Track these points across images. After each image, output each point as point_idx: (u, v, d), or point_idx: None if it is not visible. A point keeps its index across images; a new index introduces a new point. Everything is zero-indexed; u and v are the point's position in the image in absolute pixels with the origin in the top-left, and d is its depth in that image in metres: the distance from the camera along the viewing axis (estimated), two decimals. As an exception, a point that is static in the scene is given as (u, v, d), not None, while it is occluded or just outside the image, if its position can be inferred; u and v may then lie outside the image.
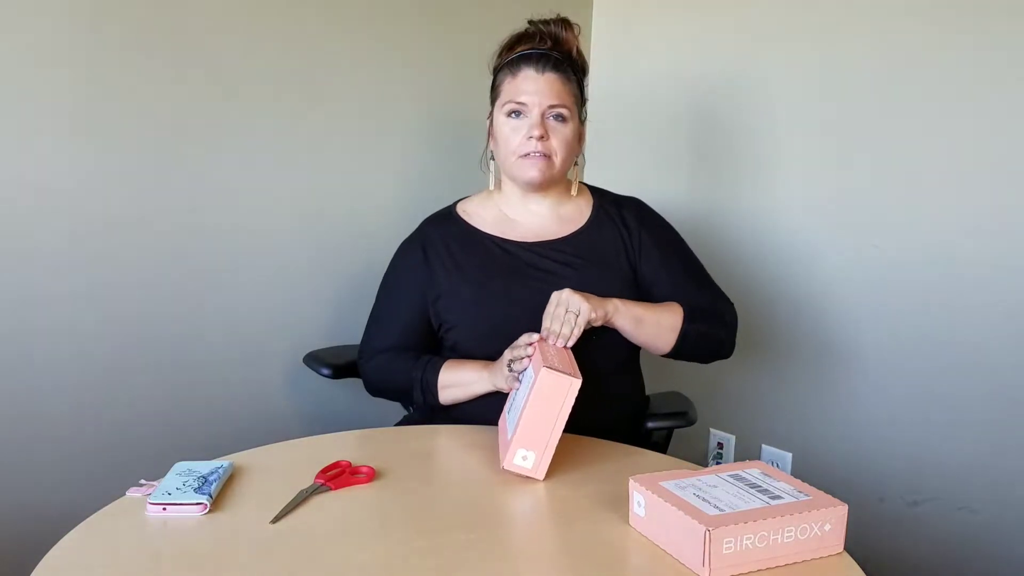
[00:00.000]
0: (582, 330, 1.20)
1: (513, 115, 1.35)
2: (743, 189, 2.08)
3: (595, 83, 2.37)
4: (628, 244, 1.42)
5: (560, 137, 1.35)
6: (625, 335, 1.32)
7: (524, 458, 1.10)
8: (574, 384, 1.11)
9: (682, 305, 1.36)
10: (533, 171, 1.35)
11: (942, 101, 1.73)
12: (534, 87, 1.33)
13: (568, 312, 1.20)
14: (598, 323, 1.24)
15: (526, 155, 1.34)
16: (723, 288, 1.89)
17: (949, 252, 1.75)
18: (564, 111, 1.34)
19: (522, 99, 1.33)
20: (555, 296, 1.23)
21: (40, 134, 1.46)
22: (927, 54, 1.74)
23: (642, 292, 1.41)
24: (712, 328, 1.38)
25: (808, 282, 1.99)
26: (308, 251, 1.84)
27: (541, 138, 1.33)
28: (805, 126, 1.95)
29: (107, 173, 1.54)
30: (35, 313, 1.49)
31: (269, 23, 1.71)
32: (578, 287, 1.33)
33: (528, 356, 1.20)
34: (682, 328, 1.34)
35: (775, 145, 2.01)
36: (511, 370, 1.21)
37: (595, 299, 1.24)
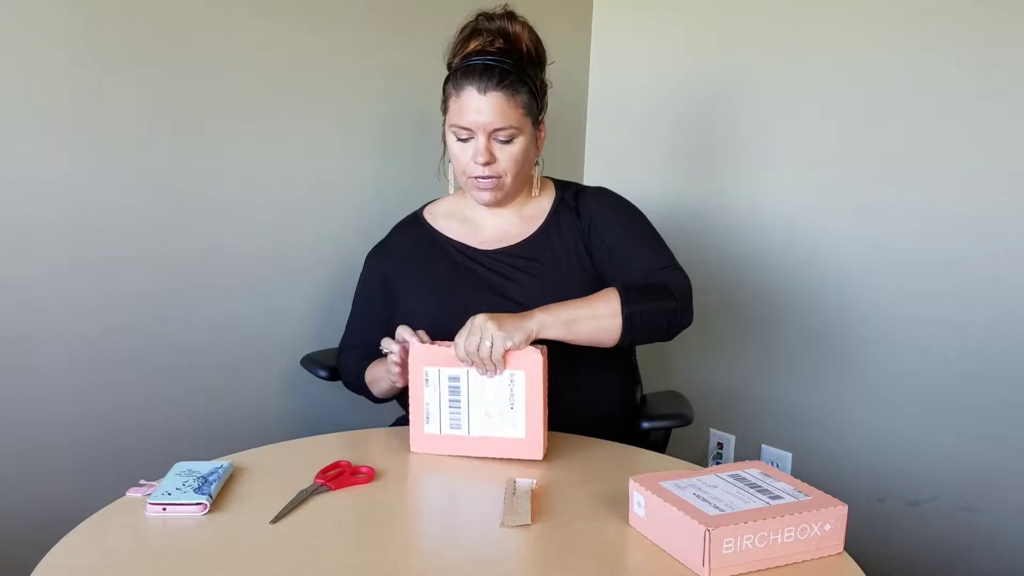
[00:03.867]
0: (500, 357, 1.13)
1: (460, 138, 1.32)
2: (743, 189, 2.08)
3: (595, 83, 2.38)
4: (581, 230, 1.39)
5: (508, 156, 1.31)
6: (564, 341, 1.20)
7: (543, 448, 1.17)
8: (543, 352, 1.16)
9: (617, 288, 1.24)
10: (484, 195, 1.34)
11: (943, 100, 1.73)
12: (476, 108, 1.27)
13: (482, 340, 1.13)
14: (522, 346, 1.15)
15: (475, 178, 1.32)
16: (725, 288, 1.89)
17: (950, 252, 1.75)
18: (513, 131, 1.29)
19: (466, 124, 1.29)
20: (469, 323, 1.15)
21: (37, 136, 1.46)
22: (928, 53, 1.74)
23: (599, 273, 1.37)
24: (657, 301, 1.25)
25: (808, 282, 1.99)
26: (305, 253, 1.84)
27: (488, 163, 1.30)
28: (805, 126, 1.95)
29: (108, 175, 1.54)
30: (34, 314, 1.49)
31: (270, 21, 1.71)
32: (538, 294, 1.31)
33: (395, 354, 1.21)
34: (623, 312, 1.21)
35: (776, 145, 2.01)
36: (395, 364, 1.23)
37: (512, 321, 1.15)
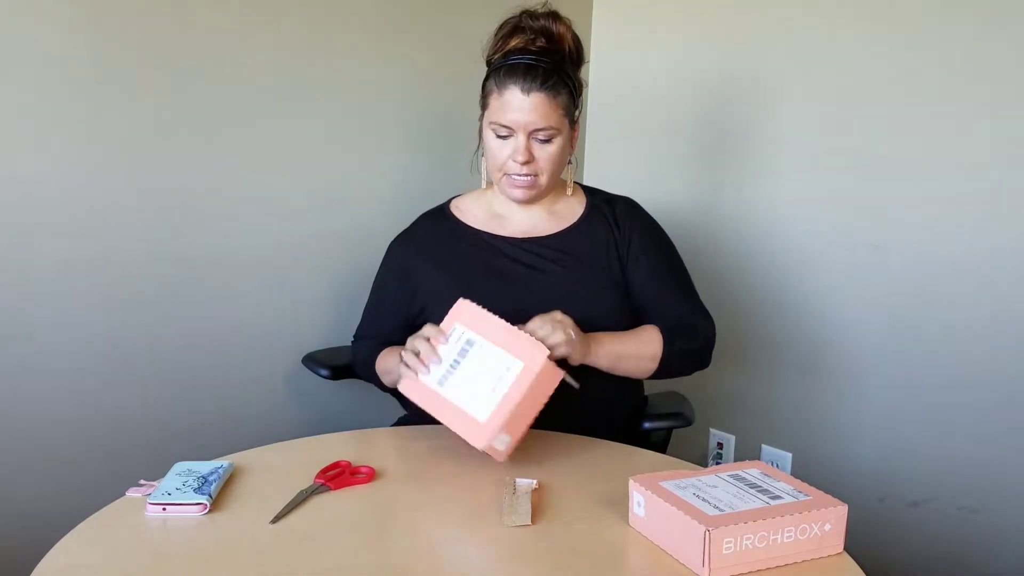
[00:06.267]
0: (566, 352, 1.18)
1: (499, 136, 1.33)
2: (743, 190, 2.08)
3: (594, 83, 2.38)
4: (618, 242, 1.41)
5: (546, 156, 1.33)
6: (602, 369, 1.29)
7: (502, 443, 1.10)
8: (559, 374, 1.13)
9: (660, 328, 1.34)
10: (518, 192, 1.36)
11: (944, 102, 1.73)
12: (518, 107, 1.29)
13: (561, 331, 1.17)
14: (575, 362, 1.21)
15: (510, 175, 1.34)
16: (724, 288, 1.89)
17: (950, 253, 1.75)
18: (552, 131, 1.31)
19: (507, 122, 1.30)
20: (551, 315, 1.19)
21: (38, 136, 1.46)
22: (929, 55, 1.74)
23: (627, 285, 1.41)
24: (690, 344, 1.37)
25: (809, 282, 1.99)
26: (307, 252, 1.84)
27: (526, 162, 1.32)
28: (805, 126, 1.95)
29: (107, 174, 1.54)
30: (35, 314, 1.49)
31: (268, 22, 1.71)
32: (564, 285, 1.34)
33: (432, 351, 1.17)
34: (663, 353, 1.33)
35: (775, 146, 2.01)
36: (406, 364, 1.19)
37: (581, 335, 1.22)
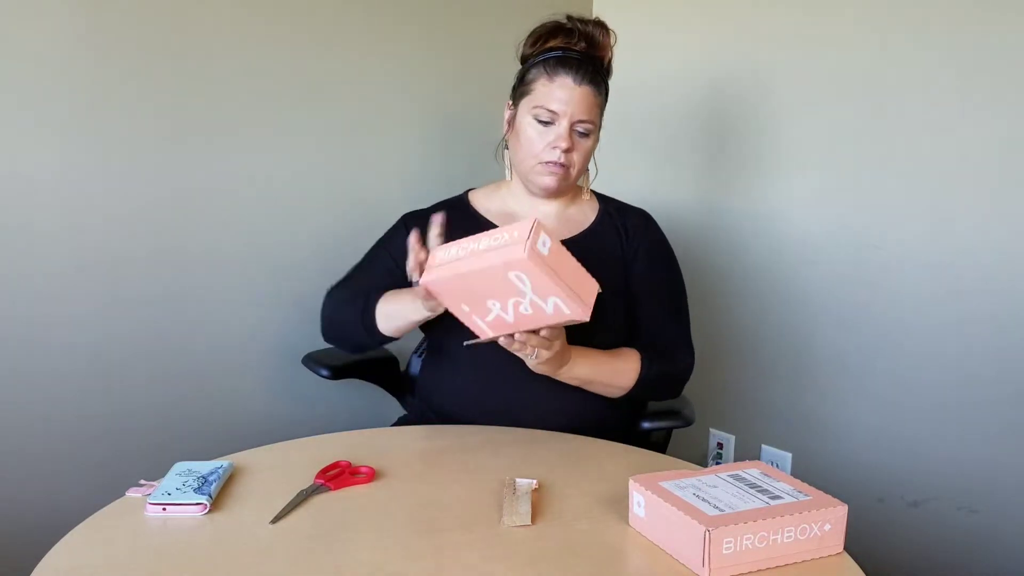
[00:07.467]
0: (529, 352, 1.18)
1: (541, 121, 1.33)
2: (745, 191, 2.08)
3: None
4: (624, 250, 1.42)
5: (582, 150, 1.35)
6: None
7: (544, 244, 1.04)
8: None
9: (641, 367, 1.34)
10: (550, 180, 1.36)
11: (946, 104, 1.73)
12: (568, 97, 1.31)
13: (548, 343, 1.17)
14: (540, 371, 1.24)
15: (547, 163, 1.34)
16: (725, 287, 1.89)
17: (950, 252, 1.75)
18: (591, 126, 1.34)
19: (554, 108, 1.31)
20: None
21: (39, 136, 1.46)
22: (930, 54, 1.74)
23: (627, 288, 1.41)
24: (661, 389, 1.41)
25: (810, 282, 1.99)
26: (308, 252, 1.84)
27: (567, 151, 1.33)
28: (807, 127, 1.95)
29: (109, 173, 1.54)
30: (34, 314, 1.49)
31: (269, 21, 1.71)
32: None
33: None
34: (636, 383, 1.34)
35: (775, 146, 2.01)
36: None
37: (564, 347, 1.22)
